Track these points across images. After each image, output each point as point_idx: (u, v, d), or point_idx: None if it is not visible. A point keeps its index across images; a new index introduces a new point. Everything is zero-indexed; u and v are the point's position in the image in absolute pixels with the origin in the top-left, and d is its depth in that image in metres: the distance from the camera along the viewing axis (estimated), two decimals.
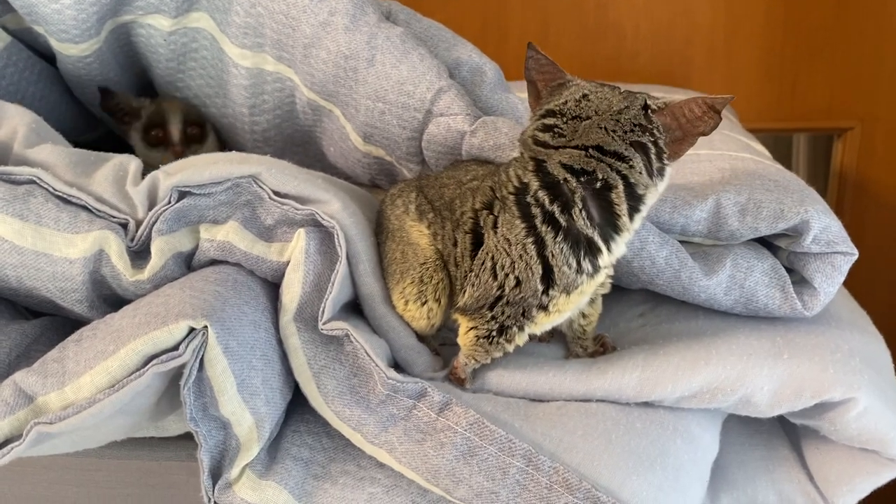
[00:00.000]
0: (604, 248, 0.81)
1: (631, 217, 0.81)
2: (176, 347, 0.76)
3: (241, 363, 0.79)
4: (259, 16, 1.02)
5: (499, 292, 0.85)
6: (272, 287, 0.88)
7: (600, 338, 0.94)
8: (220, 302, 0.79)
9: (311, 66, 1.00)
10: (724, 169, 1.01)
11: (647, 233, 0.89)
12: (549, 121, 0.82)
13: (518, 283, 0.83)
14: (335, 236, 0.85)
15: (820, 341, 0.88)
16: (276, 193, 0.86)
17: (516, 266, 0.83)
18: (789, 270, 0.92)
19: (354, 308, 0.92)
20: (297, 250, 0.85)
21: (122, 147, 1.30)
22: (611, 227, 0.81)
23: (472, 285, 0.87)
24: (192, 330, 0.76)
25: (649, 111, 0.80)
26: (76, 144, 1.01)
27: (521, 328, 0.86)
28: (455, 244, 0.88)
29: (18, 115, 0.93)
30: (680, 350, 0.88)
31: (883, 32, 1.70)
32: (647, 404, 0.87)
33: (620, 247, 0.83)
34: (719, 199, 0.91)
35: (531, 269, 0.82)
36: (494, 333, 0.86)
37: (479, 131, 0.93)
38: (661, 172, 0.81)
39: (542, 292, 0.83)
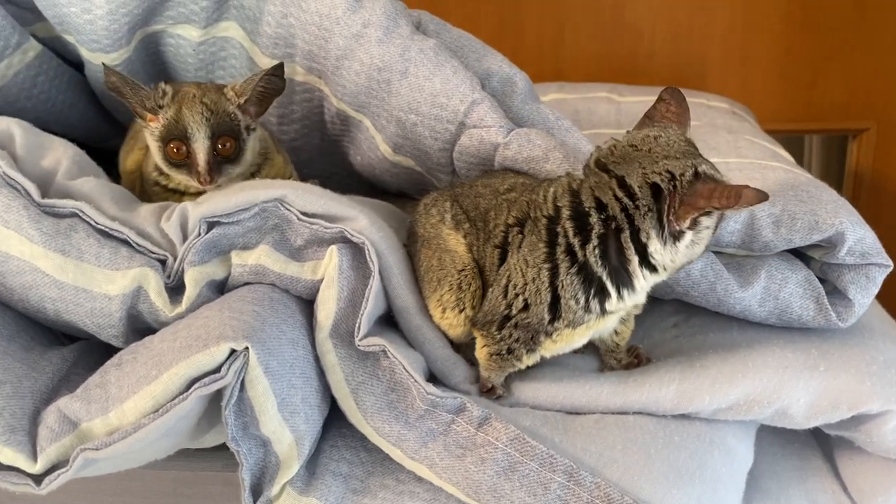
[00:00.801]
0: (613, 292, 0.81)
1: (642, 268, 0.80)
2: (218, 369, 0.76)
3: (282, 382, 0.79)
4: (290, 27, 1.01)
5: (506, 311, 0.86)
6: (307, 304, 0.88)
7: (634, 349, 0.94)
8: (259, 322, 0.79)
9: (342, 77, 1.00)
10: (755, 179, 1.01)
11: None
12: (614, 144, 0.82)
13: (526, 306, 0.84)
14: (366, 251, 0.86)
15: (855, 353, 0.88)
16: (304, 214, 0.86)
17: (527, 288, 0.84)
18: (822, 281, 0.92)
19: (388, 321, 0.92)
20: (330, 267, 0.85)
21: None
22: (625, 272, 0.81)
23: (487, 299, 0.88)
24: (233, 351, 0.76)
25: (698, 172, 0.78)
26: (103, 151, 1.01)
27: (530, 351, 0.87)
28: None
29: (62, 146, 0.94)
30: (716, 362, 0.88)
31: None
32: (683, 416, 0.87)
33: (633, 297, 0.82)
34: (753, 210, 0.91)
35: (540, 294, 0.83)
36: (504, 352, 0.87)
37: (512, 143, 0.93)
38: (674, 235, 0.78)
39: (549, 322, 0.84)
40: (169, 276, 0.86)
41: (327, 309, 0.85)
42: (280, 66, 0.93)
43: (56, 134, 0.98)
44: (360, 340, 0.84)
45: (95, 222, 0.85)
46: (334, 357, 0.84)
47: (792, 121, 1.81)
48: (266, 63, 1.07)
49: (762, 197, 0.74)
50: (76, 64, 1.15)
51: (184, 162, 0.93)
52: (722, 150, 1.14)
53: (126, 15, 1.00)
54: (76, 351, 0.89)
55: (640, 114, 1.42)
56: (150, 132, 0.94)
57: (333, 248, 0.85)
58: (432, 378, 0.89)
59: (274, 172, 1.00)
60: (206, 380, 0.76)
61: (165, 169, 0.96)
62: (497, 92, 1.00)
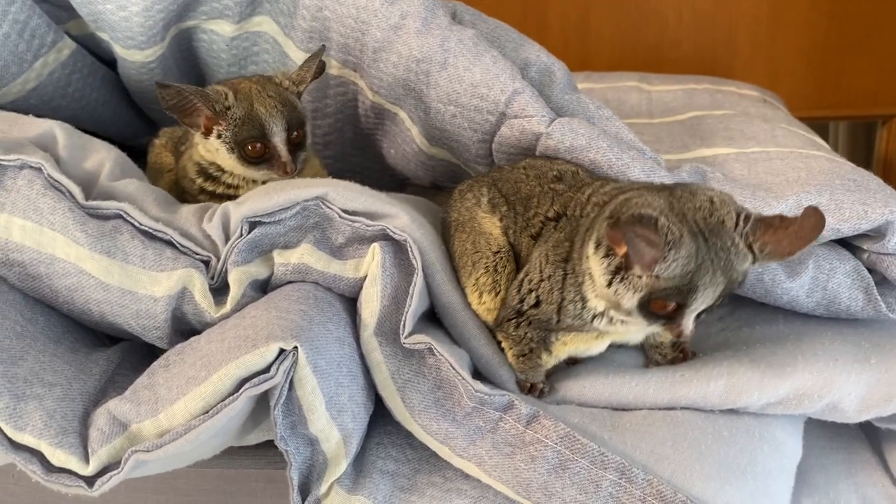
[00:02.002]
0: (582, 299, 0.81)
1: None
2: (267, 369, 0.75)
3: (329, 381, 0.78)
4: (325, 20, 1.00)
5: (518, 306, 0.85)
6: (350, 302, 0.88)
7: (679, 344, 0.92)
8: (306, 321, 0.78)
9: (379, 69, 0.99)
10: (798, 168, 0.99)
11: None
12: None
13: (538, 303, 0.84)
14: (409, 249, 0.85)
15: None
16: (345, 211, 0.86)
17: (542, 285, 0.83)
18: (870, 272, 0.91)
19: (432, 318, 0.91)
20: (373, 265, 0.84)
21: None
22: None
23: (508, 291, 0.88)
24: (282, 351, 0.76)
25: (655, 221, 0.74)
26: (135, 148, 1.01)
27: (546, 352, 0.86)
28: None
29: (105, 149, 0.93)
30: (765, 356, 0.86)
31: None
32: (731, 411, 0.86)
33: (622, 321, 0.81)
34: (799, 199, 0.90)
35: (553, 294, 0.83)
36: (526, 353, 0.87)
37: (555, 133, 0.92)
38: (613, 271, 0.77)
39: (556, 322, 0.84)
40: (213, 277, 0.86)
41: (371, 307, 0.84)
42: (323, 49, 0.96)
43: (89, 132, 0.97)
44: (405, 338, 0.83)
45: (139, 223, 0.85)
46: (380, 355, 0.83)
47: (820, 107, 1.79)
48: (300, 57, 1.06)
49: (654, 258, 0.72)
50: (109, 62, 1.14)
51: (262, 158, 0.93)
52: (760, 140, 1.12)
53: (161, 11, 1.00)
54: (120, 352, 0.89)
55: (670, 103, 1.42)
56: (217, 136, 0.93)
57: (376, 245, 0.84)
58: (478, 375, 0.88)
59: (312, 174, 0.99)
60: (255, 380, 0.75)
61: (240, 168, 0.95)
62: (535, 82, 0.99)
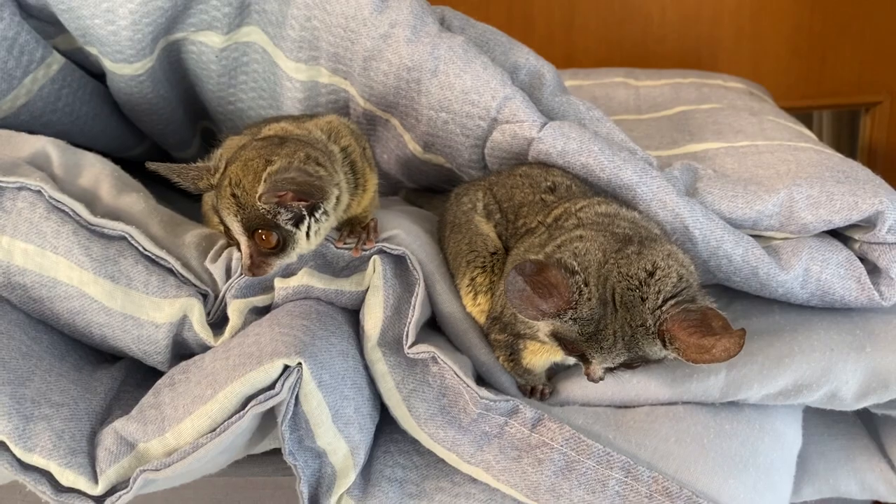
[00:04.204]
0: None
1: None
2: (272, 386, 0.76)
3: (335, 394, 0.79)
4: (315, 29, 1.01)
5: (498, 311, 0.86)
6: (351, 314, 0.88)
7: None
8: (309, 336, 0.79)
9: (370, 77, 0.99)
10: (788, 160, 1.00)
11: (722, 231, 0.89)
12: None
13: (503, 307, 0.85)
14: (408, 261, 0.85)
15: None
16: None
17: None
18: (861, 260, 0.92)
19: (431, 326, 0.91)
20: (374, 277, 0.85)
21: (168, 160, 1.30)
22: None
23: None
24: (286, 367, 0.76)
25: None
26: (125, 161, 1.00)
27: (517, 359, 0.87)
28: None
29: (100, 163, 0.93)
30: (762, 348, 0.87)
31: None
32: (732, 404, 0.88)
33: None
34: (791, 192, 0.91)
35: None
36: (510, 357, 0.87)
37: (546, 137, 0.92)
38: None
39: (516, 328, 0.84)
40: (209, 313, 0.86)
41: (374, 318, 0.84)
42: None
43: (80, 146, 0.97)
44: (409, 348, 0.83)
45: (143, 248, 0.85)
46: (384, 365, 0.84)
47: (805, 97, 1.80)
48: (291, 67, 1.06)
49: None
50: (97, 75, 1.14)
51: (233, 241, 0.83)
52: (748, 133, 1.13)
53: (149, 24, 1.00)
54: (123, 369, 0.89)
55: (657, 98, 1.43)
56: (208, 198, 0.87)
57: (377, 258, 0.85)
58: (481, 381, 0.89)
59: (368, 199, 0.90)
60: (261, 397, 0.75)
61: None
62: (525, 85, 1.00)
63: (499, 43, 1.03)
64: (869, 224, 0.90)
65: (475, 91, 0.94)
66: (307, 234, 0.79)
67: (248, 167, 0.78)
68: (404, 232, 0.87)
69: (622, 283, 0.74)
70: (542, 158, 0.94)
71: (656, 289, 0.73)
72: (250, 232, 0.78)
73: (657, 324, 0.73)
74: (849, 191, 0.90)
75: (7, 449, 0.75)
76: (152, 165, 0.80)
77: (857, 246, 0.93)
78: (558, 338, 0.77)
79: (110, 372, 0.87)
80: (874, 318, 0.90)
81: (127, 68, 1.05)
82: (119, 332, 0.84)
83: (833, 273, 0.90)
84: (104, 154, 0.98)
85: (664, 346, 0.73)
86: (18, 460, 0.75)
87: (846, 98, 1.80)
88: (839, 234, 0.94)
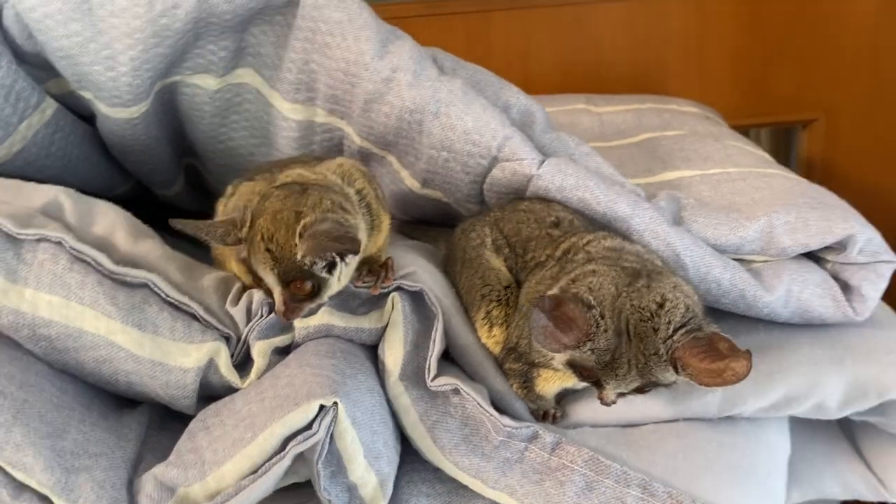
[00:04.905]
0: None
1: None
2: (309, 426, 0.78)
3: (366, 430, 0.82)
4: (312, 72, 1.04)
5: (513, 342, 0.91)
6: (370, 350, 0.91)
7: None
8: (340, 376, 0.82)
9: (370, 119, 1.02)
10: (761, 188, 1.08)
11: (711, 258, 0.96)
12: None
13: (519, 338, 0.90)
14: (426, 297, 0.89)
15: (873, 345, 0.97)
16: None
17: (521, 321, 0.89)
18: (834, 279, 1.00)
19: (444, 357, 0.95)
20: (394, 313, 0.89)
21: (152, 196, 1.30)
22: None
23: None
24: (321, 407, 0.79)
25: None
26: (111, 199, 1.01)
27: (531, 387, 0.91)
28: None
29: (112, 211, 0.94)
30: (754, 365, 0.94)
31: (841, 29, 1.82)
32: (728, 418, 0.94)
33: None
34: (770, 219, 0.99)
35: (525, 328, 0.88)
36: (524, 384, 0.92)
37: (545, 174, 0.97)
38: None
39: (531, 357, 0.89)
40: (232, 355, 0.88)
41: (395, 353, 0.88)
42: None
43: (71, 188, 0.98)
44: (431, 381, 0.87)
45: (166, 295, 0.87)
46: (407, 399, 0.88)
47: (747, 116, 1.91)
48: (287, 108, 1.08)
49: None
50: (85, 117, 1.14)
51: (267, 293, 0.86)
52: (716, 160, 1.20)
53: (149, 70, 1.01)
54: (146, 413, 0.90)
55: (620, 125, 1.50)
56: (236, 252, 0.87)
57: (395, 295, 0.89)
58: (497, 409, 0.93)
59: (382, 238, 0.94)
60: (299, 437, 0.78)
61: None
62: (517, 123, 1.05)
63: (490, 83, 1.08)
64: (840, 246, 0.98)
65: (476, 132, 0.99)
66: (338, 279, 0.82)
67: (278, 221, 0.80)
68: (420, 269, 0.91)
69: (635, 316, 0.79)
70: (540, 194, 0.99)
71: (666, 320, 0.79)
72: (286, 282, 0.80)
73: (669, 352, 0.79)
74: (822, 216, 0.98)
75: (50, 503, 0.76)
76: (178, 224, 0.81)
77: (829, 266, 1.01)
78: (574, 366, 0.82)
79: (136, 417, 0.88)
80: (849, 333, 0.99)
81: (123, 112, 1.06)
82: (147, 379, 0.85)
83: (812, 293, 0.98)
84: (94, 194, 0.99)
85: (676, 372, 0.79)
86: None
87: (785, 116, 1.91)
88: (812, 256, 1.02)
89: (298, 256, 0.79)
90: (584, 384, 0.89)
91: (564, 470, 0.85)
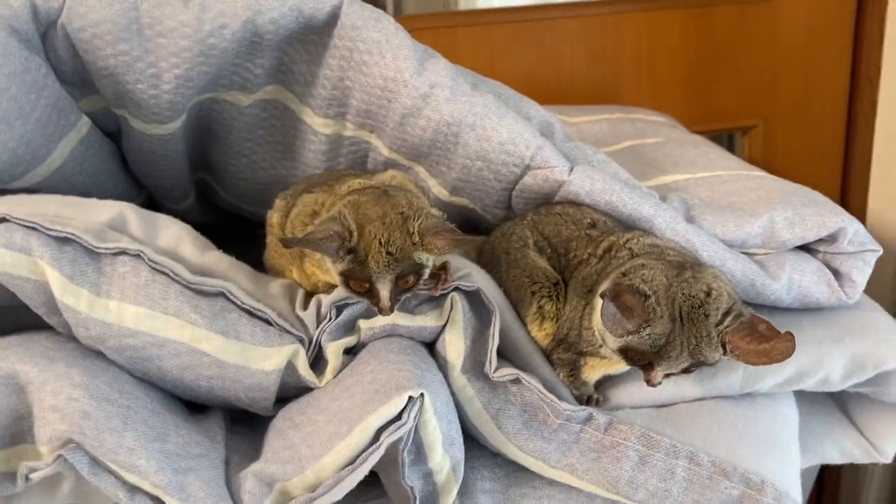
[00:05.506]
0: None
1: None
2: (399, 417, 0.84)
3: (443, 419, 0.88)
4: (346, 89, 1.09)
5: (563, 334, 0.99)
6: (428, 347, 0.97)
7: None
8: (419, 370, 0.88)
9: (405, 132, 1.08)
10: (754, 188, 1.20)
11: (724, 252, 1.06)
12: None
13: (569, 330, 0.98)
14: (482, 296, 0.96)
15: (864, 324, 1.10)
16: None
17: (570, 315, 0.98)
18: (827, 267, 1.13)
19: None
20: (455, 311, 0.95)
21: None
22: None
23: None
24: (409, 399, 0.85)
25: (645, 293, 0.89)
26: None
27: (578, 374, 1.00)
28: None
29: (174, 224, 0.97)
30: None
31: (775, 46, 2.00)
32: (748, 395, 1.04)
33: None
34: (772, 215, 1.10)
35: (575, 321, 0.97)
36: (574, 373, 1.00)
37: (575, 180, 1.06)
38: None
39: (579, 347, 0.98)
40: (307, 355, 0.93)
41: (457, 347, 0.94)
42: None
43: None
44: (494, 372, 0.94)
45: (242, 302, 0.90)
46: (471, 390, 0.94)
47: (695, 123, 2.05)
48: (318, 123, 1.13)
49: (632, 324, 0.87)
50: (109, 133, 1.15)
51: (364, 294, 0.89)
52: (701, 164, 1.32)
53: (191, 88, 1.04)
54: (220, 417, 0.93)
55: (598, 134, 1.61)
56: (331, 261, 0.89)
57: (454, 294, 0.95)
58: None
59: None
60: (391, 428, 0.83)
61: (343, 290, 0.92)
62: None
63: (510, 97, 1.16)
64: (831, 238, 1.11)
65: (511, 142, 1.06)
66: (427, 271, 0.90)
67: (389, 225, 0.86)
68: (474, 271, 0.98)
69: (687, 303, 0.88)
70: (570, 198, 1.07)
71: (715, 306, 0.89)
72: (396, 279, 0.87)
73: (720, 336, 0.88)
74: (816, 212, 1.10)
75: (162, 503, 0.79)
76: (291, 241, 0.87)
77: (820, 256, 1.13)
78: (627, 352, 0.90)
79: (215, 421, 0.91)
80: (843, 315, 1.11)
81: (159, 129, 1.08)
82: (230, 384, 0.89)
83: (810, 280, 1.10)
84: None
85: (724, 353, 0.89)
86: None
87: (728, 123, 2.07)
88: (805, 248, 1.14)
89: (416, 253, 0.86)
90: (624, 369, 0.98)
91: (619, 447, 0.94)
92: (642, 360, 0.91)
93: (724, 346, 0.88)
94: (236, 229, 1.33)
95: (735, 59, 2.00)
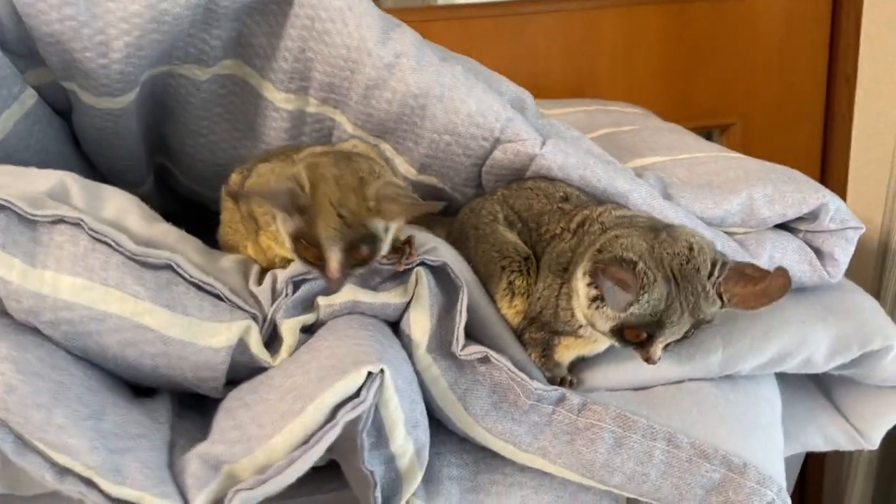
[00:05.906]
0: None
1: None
2: (357, 394, 0.78)
3: (406, 399, 0.83)
4: (308, 61, 1.04)
5: (534, 312, 0.94)
6: (392, 325, 0.92)
7: None
8: (380, 346, 0.83)
9: (370, 106, 1.04)
10: (734, 167, 1.16)
11: (703, 229, 1.02)
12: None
13: (542, 308, 0.94)
14: (449, 271, 0.91)
15: (847, 304, 1.06)
16: (384, 257, 0.89)
17: (544, 292, 0.94)
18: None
19: None
20: (419, 287, 0.90)
21: None
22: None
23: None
24: (369, 374, 0.79)
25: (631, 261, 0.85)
26: None
27: (551, 355, 0.95)
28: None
29: (119, 195, 0.91)
30: (749, 326, 1.00)
31: (753, 45, 1.98)
32: (728, 377, 1.00)
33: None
34: (751, 192, 1.06)
35: (550, 300, 0.93)
36: (546, 353, 0.95)
37: (548, 153, 1.01)
38: (591, 298, 0.87)
39: (553, 326, 0.93)
40: (261, 333, 0.87)
41: (422, 326, 0.89)
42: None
43: None
44: (461, 351, 0.88)
45: (190, 275, 0.85)
46: (436, 369, 0.89)
47: (672, 120, 2.01)
48: (279, 98, 1.08)
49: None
50: (59, 111, 1.10)
51: (315, 263, 0.83)
52: (679, 148, 1.28)
53: (143, 58, 0.99)
54: (167, 400, 0.87)
55: (573, 123, 1.56)
56: (280, 221, 0.84)
57: (420, 269, 0.90)
58: None
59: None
60: (348, 405, 0.78)
61: (293, 258, 0.87)
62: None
63: (479, 71, 1.11)
64: (812, 216, 1.07)
65: (480, 114, 1.01)
66: (386, 244, 0.83)
67: (343, 186, 0.80)
68: (438, 244, 0.93)
69: (675, 261, 0.84)
70: (542, 173, 1.03)
71: (702, 258, 0.85)
72: (348, 248, 0.80)
73: (714, 287, 0.84)
74: (796, 189, 1.06)
75: (94, 486, 0.72)
76: (235, 190, 0.82)
77: (801, 235, 1.09)
78: (622, 330, 0.86)
79: (161, 403, 0.85)
80: (825, 295, 1.07)
81: (109, 102, 1.03)
82: (175, 360, 0.83)
83: (791, 259, 1.05)
84: None
85: (722, 304, 0.85)
86: (107, 495, 0.73)
87: (706, 121, 2.04)
88: (786, 227, 1.10)
89: (371, 220, 0.80)
90: (599, 350, 0.93)
91: (594, 428, 0.89)
92: (639, 337, 0.86)
93: (720, 297, 0.85)
94: (196, 218, 1.27)
95: (713, 56, 1.98)
